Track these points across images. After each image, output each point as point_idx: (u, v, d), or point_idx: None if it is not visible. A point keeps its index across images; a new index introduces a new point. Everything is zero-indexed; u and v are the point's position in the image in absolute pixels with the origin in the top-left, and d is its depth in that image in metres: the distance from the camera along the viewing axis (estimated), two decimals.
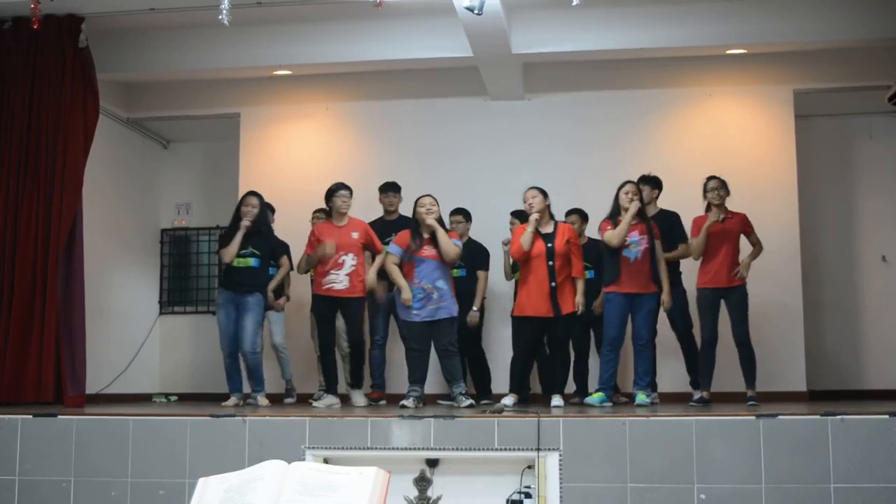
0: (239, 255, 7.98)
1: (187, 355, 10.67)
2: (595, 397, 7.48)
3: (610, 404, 7.47)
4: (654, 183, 8.33)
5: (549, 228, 7.65)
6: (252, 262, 8.03)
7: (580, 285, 7.54)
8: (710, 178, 7.86)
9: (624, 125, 9.60)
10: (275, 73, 9.65)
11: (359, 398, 7.77)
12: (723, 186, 7.79)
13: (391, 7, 7.81)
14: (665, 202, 8.37)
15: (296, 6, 8.35)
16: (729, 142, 9.44)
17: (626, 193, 7.67)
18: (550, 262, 7.51)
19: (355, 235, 7.85)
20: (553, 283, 7.49)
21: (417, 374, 7.60)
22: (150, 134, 10.82)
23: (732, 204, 7.88)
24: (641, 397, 7.44)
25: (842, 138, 10.10)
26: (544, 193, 7.69)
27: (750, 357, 7.65)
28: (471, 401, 7.41)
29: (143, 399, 9.79)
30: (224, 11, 6.63)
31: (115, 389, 9.45)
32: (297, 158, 10.08)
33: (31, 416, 6.50)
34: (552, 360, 7.85)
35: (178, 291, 11.00)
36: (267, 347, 8.83)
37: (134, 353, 10.14)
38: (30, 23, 7.34)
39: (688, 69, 9.51)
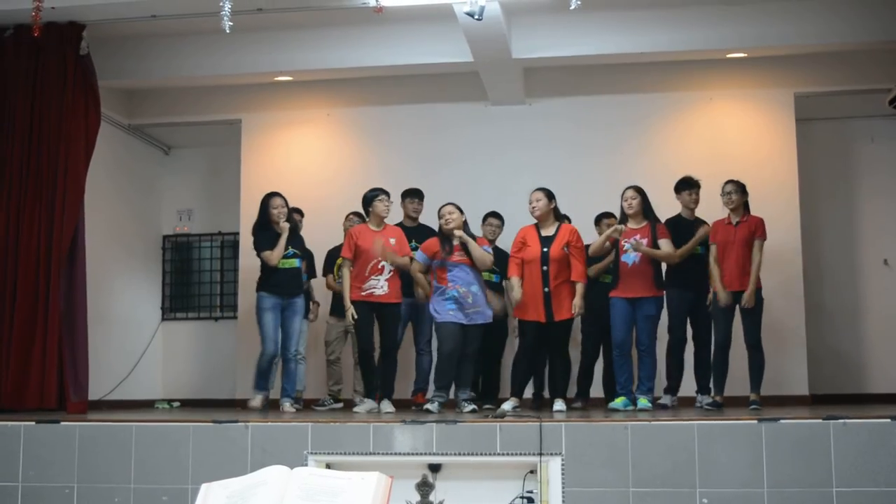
0: (284, 257, 8.04)
1: (189, 361, 10.69)
2: (618, 402, 7.48)
3: (633, 407, 7.46)
4: (699, 186, 8.19)
5: (550, 231, 7.65)
6: (296, 262, 8.12)
7: (579, 288, 7.52)
8: (727, 182, 7.86)
9: (625, 129, 9.61)
10: (275, 79, 9.66)
11: (387, 405, 7.74)
12: (736, 191, 7.80)
13: (391, 13, 7.83)
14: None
15: (296, 12, 8.36)
16: (730, 145, 9.44)
17: (626, 200, 7.68)
18: (545, 268, 7.51)
19: (393, 241, 7.81)
20: (546, 289, 7.50)
21: (445, 381, 7.63)
22: (151, 140, 10.83)
23: None
24: (643, 402, 7.43)
25: (843, 141, 10.10)
26: (549, 196, 7.70)
27: (759, 361, 7.68)
28: (473, 407, 7.44)
29: (146, 405, 9.80)
30: (225, 18, 6.65)
31: (118, 396, 9.47)
32: (299, 164, 10.09)
33: (33, 423, 6.50)
34: (551, 366, 7.86)
35: (179, 298, 11.01)
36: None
37: (136, 359, 10.15)
38: (31, 30, 7.37)
39: (688, 73, 9.52)
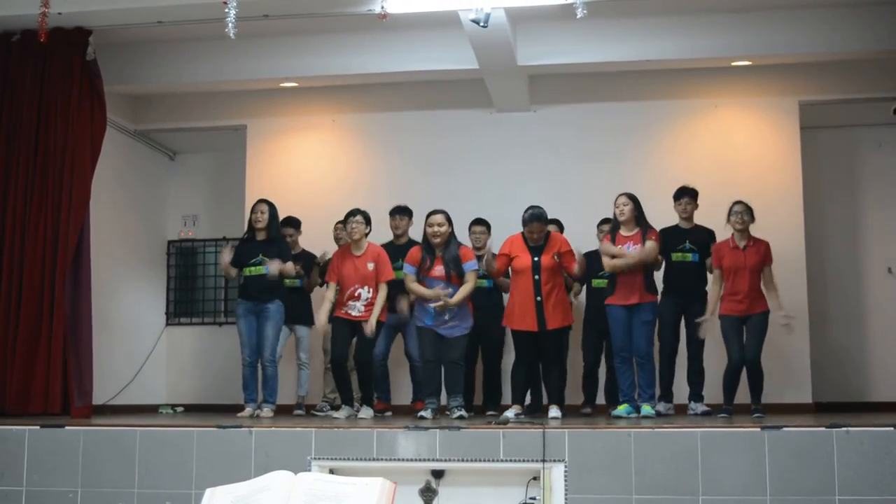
0: (251, 265, 8.10)
1: (193, 366, 10.68)
2: (621, 409, 7.50)
3: (636, 414, 7.46)
4: (695, 195, 8.30)
5: (538, 241, 7.68)
6: (264, 269, 8.09)
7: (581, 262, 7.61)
8: (736, 202, 7.85)
9: (630, 136, 9.61)
10: (281, 85, 9.69)
11: (367, 412, 7.80)
12: (747, 212, 7.76)
13: (397, 19, 7.84)
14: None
15: (302, 19, 8.37)
16: (734, 153, 9.45)
17: (618, 207, 7.72)
18: (536, 277, 7.54)
19: (371, 267, 7.82)
20: (538, 298, 7.52)
21: (432, 387, 7.66)
22: (156, 146, 10.85)
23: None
24: (646, 409, 7.43)
25: (847, 150, 10.09)
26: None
27: (758, 377, 7.69)
28: (462, 413, 7.41)
29: (150, 410, 9.80)
30: (230, 24, 6.66)
31: (122, 400, 9.47)
32: (304, 170, 10.10)
33: (38, 427, 6.53)
34: (547, 374, 7.87)
35: (184, 303, 11.01)
36: (291, 359, 8.91)
37: (140, 364, 10.15)
38: (38, 35, 7.40)
39: (693, 81, 9.52)
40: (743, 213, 7.75)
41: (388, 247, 8.44)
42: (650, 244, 7.60)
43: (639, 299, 7.53)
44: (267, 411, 8.01)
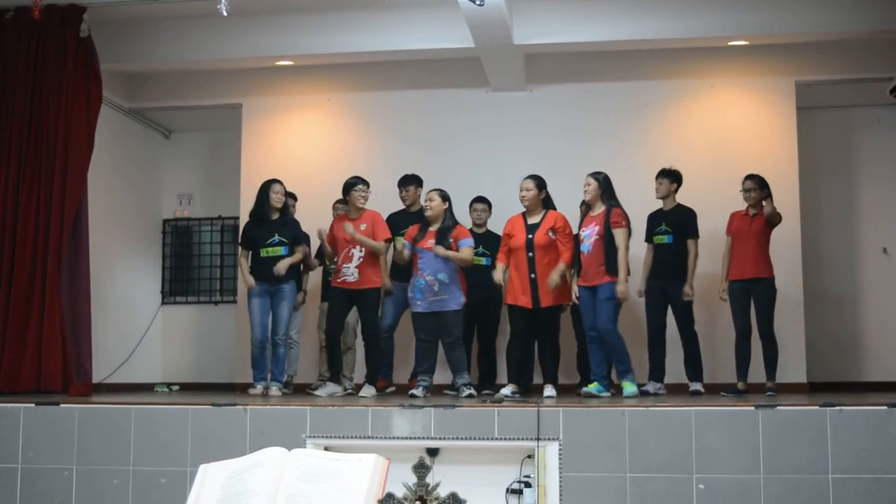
0: (267, 245, 8.10)
1: (189, 345, 10.71)
2: (592, 387, 7.50)
3: (608, 393, 7.47)
4: (672, 177, 8.37)
5: (536, 218, 7.70)
6: (282, 250, 8.12)
7: (559, 266, 7.54)
8: (746, 178, 8.04)
9: (625, 116, 9.60)
10: (277, 63, 9.64)
11: (368, 390, 7.80)
12: (755, 188, 7.98)
13: None
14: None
15: None
16: (730, 133, 9.44)
17: (584, 187, 7.77)
18: (530, 254, 7.58)
19: (363, 228, 7.93)
20: (532, 275, 7.54)
21: (426, 365, 7.70)
22: (151, 124, 10.82)
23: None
24: (627, 387, 7.46)
25: (843, 130, 10.09)
26: (540, 185, 7.77)
27: (771, 350, 7.82)
28: (471, 391, 7.48)
29: (145, 388, 9.82)
30: (222, 2, 6.61)
31: (117, 379, 9.48)
32: (299, 149, 10.08)
33: (33, 405, 6.54)
34: (540, 352, 7.89)
35: (179, 282, 11.02)
36: None
37: (136, 342, 10.16)
38: (32, 12, 7.36)
39: (690, 60, 9.50)
40: (752, 190, 8.01)
41: (399, 215, 8.62)
42: (619, 247, 7.52)
43: (598, 280, 7.50)
44: (275, 390, 8.02)
